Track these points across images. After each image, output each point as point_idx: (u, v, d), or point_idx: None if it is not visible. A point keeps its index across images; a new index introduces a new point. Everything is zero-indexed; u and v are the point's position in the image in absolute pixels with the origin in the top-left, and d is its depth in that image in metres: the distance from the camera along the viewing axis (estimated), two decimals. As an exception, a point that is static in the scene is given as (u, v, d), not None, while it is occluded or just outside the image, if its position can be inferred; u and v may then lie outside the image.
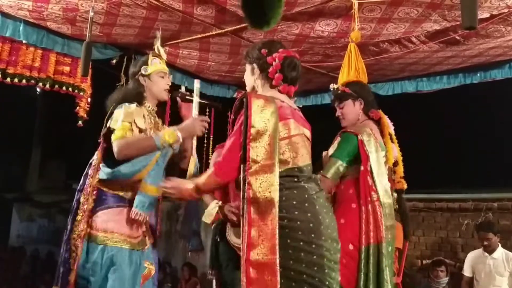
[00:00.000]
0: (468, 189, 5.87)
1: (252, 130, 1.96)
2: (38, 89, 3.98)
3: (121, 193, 2.36)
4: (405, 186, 2.89)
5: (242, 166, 1.97)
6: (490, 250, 4.44)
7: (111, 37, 3.95)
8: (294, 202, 1.96)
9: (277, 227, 1.88)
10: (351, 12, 3.21)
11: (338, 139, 2.68)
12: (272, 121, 1.98)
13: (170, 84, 2.57)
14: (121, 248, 2.29)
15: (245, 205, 1.92)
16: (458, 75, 4.60)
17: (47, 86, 3.85)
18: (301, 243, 1.91)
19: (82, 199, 2.32)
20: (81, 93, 4.02)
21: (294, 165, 2.03)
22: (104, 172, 2.34)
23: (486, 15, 3.35)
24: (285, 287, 1.85)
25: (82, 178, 2.42)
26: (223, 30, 3.79)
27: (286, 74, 2.13)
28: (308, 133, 2.16)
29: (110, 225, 2.29)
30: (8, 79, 3.67)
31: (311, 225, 1.94)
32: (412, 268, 5.63)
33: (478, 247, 4.69)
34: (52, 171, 11.96)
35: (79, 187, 2.40)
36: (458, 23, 3.50)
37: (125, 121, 2.30)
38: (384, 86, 4.90)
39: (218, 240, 3.30)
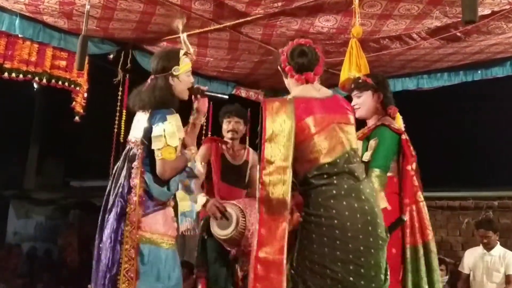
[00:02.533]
0: (469, 187, 5.86)
1: (267, 132, 2.01)
2: (35, 86, 3.94)
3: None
4: None
5: (258, 167, 2.03)
6: (489, 247, 4.48)
7: (108, 32, 3.91)
8: (320, 199, 1.97)
9: (287, 228, 1.92)
10: (351, 7, 3.18)
11: (375, 139, 2.55)
12: (288, 123, 2.00)
13: (193, 82, 2.56)
14: (173, 250, 2.39)
15: (258, 204, 1.98)
16: (459, 72, 4.58)
17: (44, 80, 3.81)
18: (325, 239, 1.93)
19: (128, 210, 2.28)
20: (78, 88, 3.98)
21: (322, 161, 2.01)
22: (152, 187, 2.36)
23: (487, 11, 3.33)
24: (311, 282, 1.91)
25: (115, 180, 2.39)
26: (222, 25, 3.76)
27: (294, 63, 2.16)
28: (343, 118, 2.11)
29: (161, 227, 2.36)
30: (6, 74, 3.63)
31: (335, 221, 1.94)
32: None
33: (478, 246, 4.68)
34: (49, 168, 11.91)
35: (116, 190, 2.35)
36: (459, 19, 3.47)
37: (180, 138, 2.35)
38: (384, 83, 4.87)
39: (206, 237, 3.32)
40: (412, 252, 2.47)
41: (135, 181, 2.31)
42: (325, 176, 2.01)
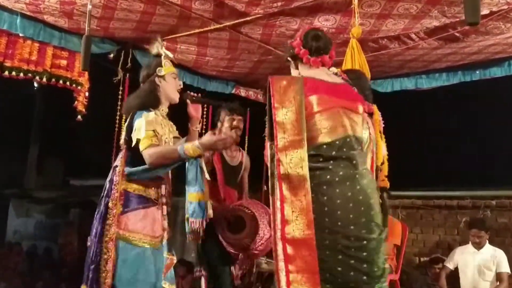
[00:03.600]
0: (466, 186, 5.88)
1: (277, 109, 1.97)
2: (36, 85, 3.95)
3: (144, 194, 2.50)
4: (388, 185, 2.88)
5: (269, 144, 2.00)
6: (480, 246, 4.51)
7: (109, 31, 3.92)
8: (312, 184, 1.92)
9: (311, 201, 1.87)
10: (350, 7, 3.19)
11: None
12: (298, 98, 1.97)
13: (181, 85, 2.68)
14: (146, 248, 2.44)
15: (275, 182, 1.92)
16: (457, 72, 4.59)
17: (44, 79, 3.82)
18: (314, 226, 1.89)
19: (110, 204, 2.43)
20: (79, 87, 4.00)
21: (320, 141, 1.99)
22: (136, 171, 2.47)
23: (485, 11, 3.33)
24: None
25: (107, 183, 2.53)
26: (222, 25, 3.77)
27: (309, 45, 2.14)
28: (350, 104, 2.09)
29: (137, 226, 2.44)
30: (6, 73, 3.65)
31: (325, 208, 1.92)
32: (410, 265, 5.63)
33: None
34: (50, 167, 11.93)
35: (105, 192, 2.50)
36: (458, 19, 3.49)
37: (148, 130, 2.41)
38: (383, 83, 4.89)
39: (204, 238, 3.32)
40: None
41: (117, 178, 2.46)
42: (321, 159, 1.97)
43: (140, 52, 4.30)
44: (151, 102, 2.55)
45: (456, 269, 4.65)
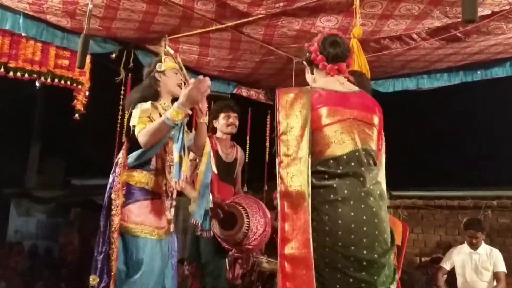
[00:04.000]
0: (468, 187, 5.88)
1: (281, 125, 1.95)
2: (37, 85, 3.96)
3: (146, 187, 2.54)
4: None
5: (276, 160, 1.97)
6: (476, 247, 4.51)
7: (111, 31, 3.93)
8: (315, 202, 1.89)
9: (310, 220, 1.85)
10: (352, 8, 3.19)
11: None
12: (304, 112, 1.94)
13: (183, 80, 2.70)
14: (150, 239, 2.47)
15: (279, 200, 1.91)
16: (458, 72, 4.60)
17: (48, 80, 3.83)
18: (314, 244, 1.86)
19: (113, 196, 2.49)
20: (79, 86, 4.00)
21: (327, 155, 1.94)
22: (132, 157, 2.55)
23: (487, 11, 3.34)
24: None
25: (110, 177, 2.58)
26: (224, 25, 3.78)
27: (326, 52, 2.08)
28: (364, 116, 2.02)
29: (140, 217, 2.48)
30: (11, 73, 3.66)
31: (326, 228, 1.87)
32: (411, 266, 5.63)
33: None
34: (50, 167, 11.95)
35: (109, 185, 2.56)
36: (459, 20, 3.49)
37: (142, 116, 2.46)
38: (385, 83, 4.90)
39: (199, 234, 3.32)
40: None
41: (119, 169, 2.52)
42: (326, 176, 1.92)
43: (142, 52, 4.31)
44: (150, 95, 2.60)
45: (453, 269, 4.64)
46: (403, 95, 5.00)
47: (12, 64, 3.62)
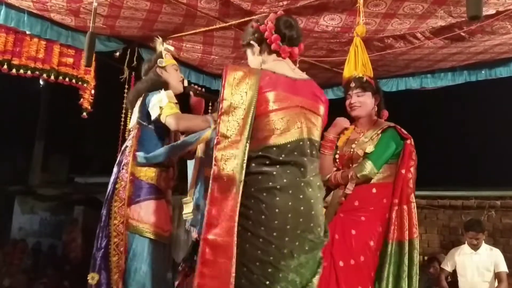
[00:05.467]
0: (471, 186, 5.86)
1: (224, 103, 1.84)
2: (41, 83, 3.98)
3: (155, 183, 2.45)
4: None
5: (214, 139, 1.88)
6: (477, 247, 4.49)
7: (115, 30, 3.94)
8: (252, 189, 1.81)
9: (237, 208, 1.75)
10: (355, 6, 3.19)
11: (379, 134, 2.65)
12: (250, 94, 1.83)
13: (183, 77, 2.72)
14: (157, 240, 2.41)
15: (210, 182, 1.80)
16: (462, 72, 4.57)
17: (51, 77, 3.85)
18: (249, 233, 1.78)
19: (117, 186, 2.38)
20: (85, 85, 4.02)
21: (271, 143, 1.85)
22: (140, 156, 2.45)
23: (492, 11, 3.32)
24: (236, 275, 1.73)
25: (115, 167, 2.49)
26: (227, 24, 3.78)
27: (282, 32, 1.97)
28: (311, 105, 1.94)
29: (149, 217, 2.39)
30: (14, 70, 3.67)
31: (262, 217, 1.78)
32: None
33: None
34: (55, 164, 11.97)
35: (114, 175, 2.46)
36: (464, 19, 3.48)
37: (170, 101, 2.40)
38: (388, 82, 4.88)
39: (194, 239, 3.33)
40: (396, 247, 2.55)
41: (128, 158, 2.42)
42: (267, 162, 1.82)
43: (146, 51, 4.31)
44: (159, 85, 2.56)
45: (454, 271, 4.63)
46: (407, 94, 4.99)
47: (15, 61, 3.64)
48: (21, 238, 8.98)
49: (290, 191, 1.82)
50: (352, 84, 2.80)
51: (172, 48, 2.78)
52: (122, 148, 2.56)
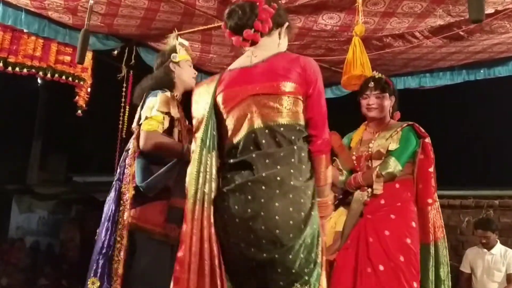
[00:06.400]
0: (470, 186, 5.86)
1: (194, 121, 1.82)
2: (39, 81, 3.97)
3: None
4: None
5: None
6: (489, 247, 4.47)
7: (113, 28, 3.93)
8: (217, 197, 1.76)
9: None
10: (354, 5, 3.19)
11: (399, 132, 2.64)
12: (209, 101, 1.78)
13: (196, 73, 2.66)
14: (163, 243, 2.32)
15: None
16: (461, 71, 4.58)
17: (48, 75, 3.83)
18: (220, 241, 1.72)
19: (123, 189, 2.33)
20: (81, 83, 4.01)
21: (227, 146, 1.78)
22: (137, 179, 2.36)
23: (490, 10, 3.32)
24: None
25: (118, 168, 2.45)
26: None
27: (228, 25, 1.84)
28: (265, 87, 1.74)
29: (156, 219, 2.32)
30: (10, 68, 3.66)
31: (221, 223, 1.71)
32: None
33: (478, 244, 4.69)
34: (53, 163, 11.95)
35: (117, 176, 2.41)
36: (463, 18, 3.48)
37: (159, 111, 2.31)
38: (387, 81, 4.87)
39: None
40: (428, 248, 2.56)
41: (129, 160, 2.35)
42: (226, 167, 1.75)
43: (144, 49, 4.31)
44: (165, 83, 2.50)
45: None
46: (406, 94, 4.98)
47: (11, 59, 3.63)
48: (19, 237, 8.97)
49: (237, 193, 1.67)
50: (371, 84, 2.72)
51: (186, 43, 2.69)
52: (125, 149, 2.49)
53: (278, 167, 1.67)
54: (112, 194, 2.39)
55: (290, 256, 1.63)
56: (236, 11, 1.81)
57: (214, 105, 1.79)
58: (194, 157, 1.73)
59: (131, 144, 2.44)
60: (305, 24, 3.72)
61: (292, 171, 1.68)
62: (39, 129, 11.49)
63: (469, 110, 7.09)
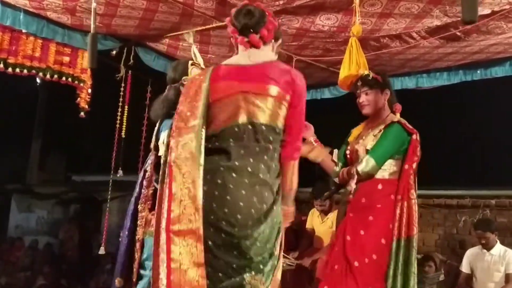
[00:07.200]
0: (466, 186, 5.88)
1: (184, 106, 1.91)
2: (38, 81, 3.98)
3: None
4: None
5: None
6: (488, 247, 4.48)
7: (111, 28, 3.94)
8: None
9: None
10: (352, 6, 3.20)
11: (381, 130, 2.67)
12: (204, 86, 1.87)
13: None
14: None
15: (166, 170, 1.88)
16: (458, 72, 4.59)
17: (47, 76, 3.84)
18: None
19: (140, 208, 2.53)
20: (82, 84, 4.02)
21: (210, 133, 1.85)
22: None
23: (487, 11, 3.34)
24: None
25: (137, 186, 2.60)
26: (224, 23, 3.76)
27: (236, 23, 1.95)
28: (255, 87, 1.86)
29: None
30: (10, 69, 3.67)
31: (210, 200, 1.78)
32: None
33: (476, 244, 4.71)
34: (52, 163, 11.97)
35: (135, 194, 2.59)
36: (459, 19, 3.49)
37: None
38: (384, 81, 4.89)
39: None
40: (396, 244, 2.54)
41: (146, 183, 2.54)
42: (207, 152, 1.82)
43: (142, 49, 4.32)
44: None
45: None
46: (403, 94, 4.99)
47: (11, 60, 3.64)
48: (18, 237, 8.99)
49: (209, 176, 1.78)
50: (359, 83, 2.82)
51: (201, 61, 2.70)
52: (144, 167, 2.63)
53: (251, 159, 1.81)
54: (131, 207, 2.58)
55: (248, 243, 1.75)
56: (247, 13, 1.93)
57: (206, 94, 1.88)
58: (195, 137, 1.80)
59: (148, 167, 2.57)
60: (303, 25, 3.73)
61: (262, 166, 1.82)
62: (39, 129, 11.51)
63: (466, 110, 7.10)
